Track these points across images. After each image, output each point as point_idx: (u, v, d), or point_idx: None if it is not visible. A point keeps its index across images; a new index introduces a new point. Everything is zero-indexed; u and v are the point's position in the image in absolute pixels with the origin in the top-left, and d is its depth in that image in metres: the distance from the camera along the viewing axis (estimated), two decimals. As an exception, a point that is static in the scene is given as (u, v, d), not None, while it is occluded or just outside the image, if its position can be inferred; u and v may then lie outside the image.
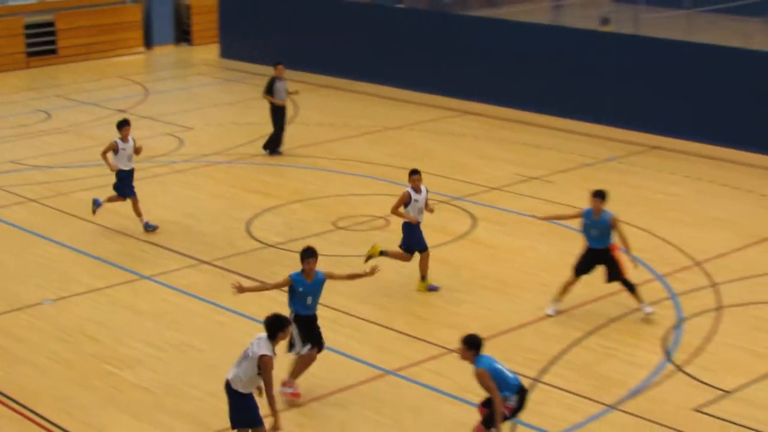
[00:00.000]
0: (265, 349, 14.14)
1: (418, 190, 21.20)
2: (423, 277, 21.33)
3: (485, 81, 35.23)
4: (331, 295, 20.70)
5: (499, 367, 14.78)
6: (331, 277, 17.07)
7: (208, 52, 44.35)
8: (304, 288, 16.78)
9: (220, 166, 29.16)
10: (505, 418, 14.79)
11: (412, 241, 21.21)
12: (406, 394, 17.23)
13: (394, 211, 21.28)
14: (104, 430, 16.21)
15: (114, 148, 23.94)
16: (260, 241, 23.53)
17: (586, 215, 19.57)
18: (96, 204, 24.38)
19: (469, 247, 23.45)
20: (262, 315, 19.56)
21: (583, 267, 19.86)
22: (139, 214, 24.11)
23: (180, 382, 17.67)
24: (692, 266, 21.95)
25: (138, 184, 24.45)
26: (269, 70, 39.72)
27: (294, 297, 16.85)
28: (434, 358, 18.42)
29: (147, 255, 23.13)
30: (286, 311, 19.79)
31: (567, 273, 21.63)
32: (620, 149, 30.19)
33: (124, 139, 23.88)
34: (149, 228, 24.06)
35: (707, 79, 30.99)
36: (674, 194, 26.64)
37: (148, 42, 45.82)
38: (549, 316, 19.82)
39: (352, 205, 25.98)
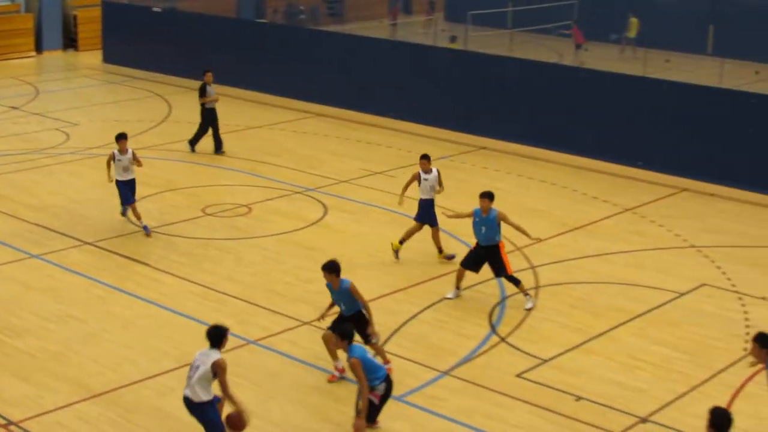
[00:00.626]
0: (215, 355, 13.48)
1: (427, 172, 21.32)
2: (440, 250, 21.54)
3: (335, 87, 35.10)
4: (199, 272, 20.46)
5: (369, 356, 14.50)
6: (356, 293, 16.21)
7: (92, 57, 43.50)
8: (334, 295, 16.33)
9: (103, 157, 28.29)
10: (376, 407, 14.49)
11: (426, 216, 21.49)
12: (266, 362, 16.95)
13: (405, 187, 21.84)
14: (-5, 392, 15.71)
15: (112, 159, 22.82)
16: (138, 225, 22.95)
17: (476, 214, 19.36)
18: (146, 230, 22.63)
19: (321, 232, 23.21)
20: (139, 291, 19.45)
21: (470, 261, 19.49)
22: (138, 217, 22.73)
23: (64, 348, 17.19)
24: (514, 251, 21.96)
25: (29, 173, 23.82)
26: (147, 74, 39.46)
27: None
28: (290, 329, 18.16)
29: (36, 236, 22.45)
30: (156, 290, 19.50)
31: (406, 255, 21.62)
32: (452, 149, 30.20)
33: (122, 151, 22.66)
34: (147, 231, 22.63)
35: (527, 89, 31.16)
36: (498, 188, 26.42)
37: (39, 47, 44.80)
38: (448, 298, 19.61)
39: (218, 194, 25.56)
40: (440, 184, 21.52)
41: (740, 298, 20.00)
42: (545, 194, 26.46)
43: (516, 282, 19.31)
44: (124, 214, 23.42)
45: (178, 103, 35.41)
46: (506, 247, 19.84)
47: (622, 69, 34.68)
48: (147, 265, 20.88)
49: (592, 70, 31.74)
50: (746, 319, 19.05)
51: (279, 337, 17.87)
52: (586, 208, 25.36)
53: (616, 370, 16.98)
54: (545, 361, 17.25)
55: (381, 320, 18.41)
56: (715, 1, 47.49)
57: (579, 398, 16.02)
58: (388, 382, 14.46)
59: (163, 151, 29.34)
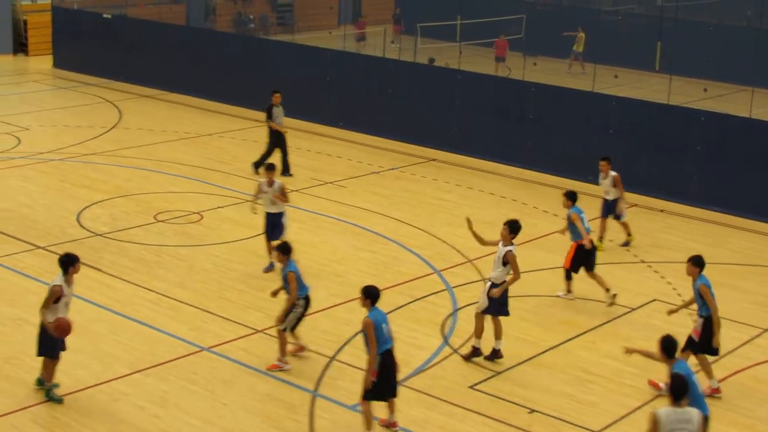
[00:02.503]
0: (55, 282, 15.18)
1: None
2: None
3: (285, 97, 34.91)
4: (151, 279, 20.37)
5: (385, 326, 14.65)
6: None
7: (42, 62, 43.14)
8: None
9: (53, 162, 28.26)
10: (374, 386, 14.62)
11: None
12: (219, 369, 16.89)
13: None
14: (-55, 397, 15.54)
15: (258, 191, 21.54)
16: (89, 230, 22.83)
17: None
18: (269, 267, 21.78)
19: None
20: (91, 296, 19.34)
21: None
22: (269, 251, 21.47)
23: (17, 352, 17.03)
24: (465, 262, 22.08)
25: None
26: (97, 80, 39.19)
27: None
28: (243, 337, 18.11)
29: (-14, 240, 22.30)
30: (108, 295, 19.40)
31: (358, 265, 21.64)
32: (402, 160, 30.27)
33: (269, 183, 21.38)
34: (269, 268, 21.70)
35: (476, 102, 31.29)
36: (448, 200, 26.80)
37: (-12, 51, 44.56)
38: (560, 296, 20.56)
39: (169, 201, 25.43)
40: None
41: (690, 314, 20.16)
42: (494, 207, 26.58)
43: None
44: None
45: (129, 109, 35.23)
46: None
47: (570, 84, 34.94)
48: (99, 270, 20.74)
49: (541, 84, 31.92)
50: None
51: (232, 344, 17.81)
52: (535, 221, 25.49)
53: (569, 383, 17.08)
54: (498, 373, 17.32)
55: (334, 330, 18.52)
56: (663, 18, 47.96)
57: (532, 411, 16.10)
58: (386, 358, 14.76)
59: (114, 157, 29.15)
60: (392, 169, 29.10)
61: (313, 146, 31.59)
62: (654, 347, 15.77)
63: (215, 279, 20.66)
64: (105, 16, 40.89)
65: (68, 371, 16.37)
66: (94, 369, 16.62)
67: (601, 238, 23.41)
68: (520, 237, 23.78)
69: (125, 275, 20.55)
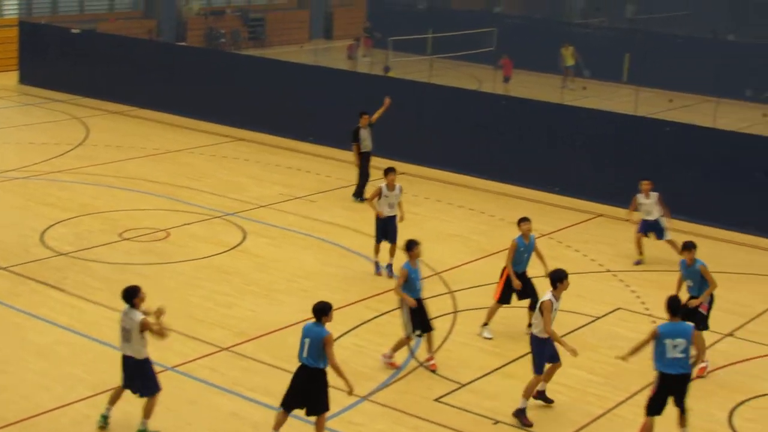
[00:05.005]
0: (138, 315, 14.84)
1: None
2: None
3: (255, 112, 34.98)
4: (116, 298, 19.98)
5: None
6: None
7: (8, 78, 42.76)
8: (415, 275, 17.52)
9: (18, 180, 28.04)
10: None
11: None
12: (185, 388, 16.77)
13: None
14: None
15: (378, 194, 21.98)
16: (53, 250, 22.65)
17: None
18: (387, 270, 22.16)
19: (240, 257, 23.07)
20: (55, 317, 19.14)
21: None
22: (392, 254, 22.18)
23: (-23, 375, 16.88)
24: (433, 276, 22.04)
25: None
26: (65, 96, 38.93)
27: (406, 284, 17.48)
28: (208, 355, 18.00)
29: (-51, 261, 22.06)
30: (72, 315, 19.25)
31: (326, 280, 21.58)
32: (373, 174, 29.75)
33: (390, 186, 21.94)
34: (386, 271, 22.17)
35: (447, 115, 31.28)
36: (417, 213, 26.72)
37: (-46, 67, 44.14)
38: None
39: (136, 219, 25.27)
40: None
41: (654, 322, 20.12)
42: (464, 219, 26.55)
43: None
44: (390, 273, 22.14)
45: (96, 125, 34.98)
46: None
47: (539, 96, 34.94)
48: (63, 290, 20.54)
49: (510, 96, 31.99)
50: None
51: (197, 363, 17.69)
52: (504, 232, 25.44)
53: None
54: (463, 385, 17.28)
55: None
56: (631, 30, 48.16)
57: (497, 422, 16.07)
58: None
59: (81, 174, 28.95)
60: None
61: (283, 161, 31.50)
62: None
63: (181, 297, 20.51)
64: (73, 31, 40.58)
65: (30, 395, 16.22)
66: (57, 392, 16.43)
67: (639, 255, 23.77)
68: (488, 248, 23.88)
69: (89, 295, 20.36)
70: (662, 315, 20.10)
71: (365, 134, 27.53)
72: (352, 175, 29.59)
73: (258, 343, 18.52)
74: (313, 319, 14.86)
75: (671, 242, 23.71)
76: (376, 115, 27.82)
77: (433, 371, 17.65)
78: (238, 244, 23.86)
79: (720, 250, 25.11)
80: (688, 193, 27.04)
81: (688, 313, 17.62)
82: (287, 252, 23.59)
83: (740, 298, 21.88)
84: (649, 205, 23.55)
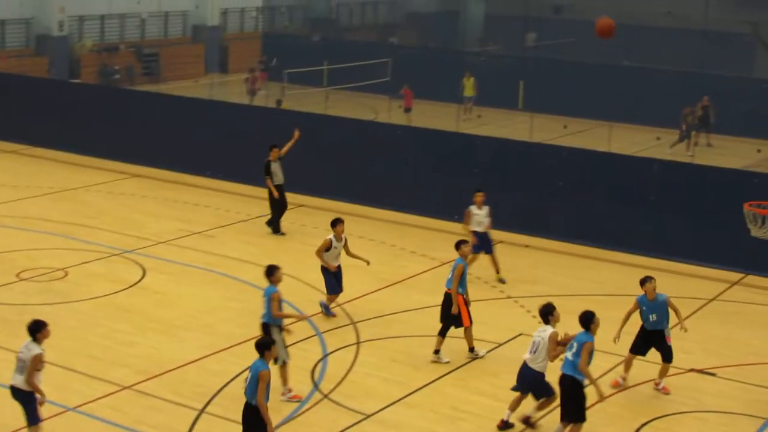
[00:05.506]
0: (36, 349, 15.00)
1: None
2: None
3: (152, 147, 34.78)
4: (14, 339, 19.82)
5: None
6: None
7: None
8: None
9: None
10: None
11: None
12: (86, 429, 16.60)
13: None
14: None
15: (327, 246, 21.61)
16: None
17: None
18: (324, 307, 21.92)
19: (141, 294, 22.90)
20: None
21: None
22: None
23: None
24: (334, 307, 22.07)
25: None
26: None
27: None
28: (110, 394, 17.81)
29: None
30: None
31: (228, 315, 21.52)
32: (270, 207, 30.21)
33: (338, 237, 21.69)
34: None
35: (344, 146, 31.38)
36: (315, 245, 26.35)
37: None
38: None
39: (33, 259, 24.96)
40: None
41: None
42: (364, 250, 26.46)
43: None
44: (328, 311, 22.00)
45: (-10, 166, 34.59)
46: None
47: (437, 125, 35.23)
48: (-41, 333, 20.25)
49: (406, 126, 32.22)
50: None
51: (99, 402, 17.50)
52: (405, 262, 25.66)
53: (439, 422, 17.16)
54: (368, 416, 17.32)
55: (203, 381, 18.31)
56: (525, 58, 48.87)
57: (402, 452, 16.15)
58: None
59: (-25, 215, 28.59)
60: (261, 216, 28.99)
61: (181, 196, 31.36)
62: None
63: (81, 336, 20.30)
64: (-37, 70, 40.11)
65: (-73, 439, 15.97)
66: (-45, 435, 16.22)
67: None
68: (389, 278, 24.08)
69: (-13, 337, 20.09)
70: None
71: (276, 167, 27.65)
72: (251, 208, 29.68)
73: (160, 381, 18.40)
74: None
75: (495, 259, 24.50)
76: (285, 148, 27.95)
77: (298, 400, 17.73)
78: (138, 282, 23.69)
79: (619, 273, 25.50)
80: (585, 217, 27.47)
81: (661, 347, 18.31)
82: (188, 288, 23.48)
83: (639, 320, 22.24)
84: (481, 216, 24.23)
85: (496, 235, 27.74)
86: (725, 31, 50.12)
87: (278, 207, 27.96)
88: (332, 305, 21.91)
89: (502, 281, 24.34)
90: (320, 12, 65.16)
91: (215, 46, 58.70)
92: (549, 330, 16.60)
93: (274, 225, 28.00)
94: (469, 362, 19.58)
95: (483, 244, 24.36)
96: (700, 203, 26.36)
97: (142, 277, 23.97)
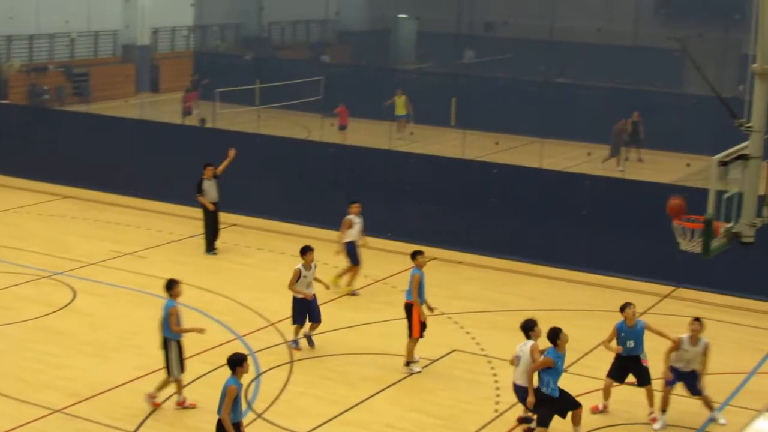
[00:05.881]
0: None
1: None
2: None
3: (81, 168, 34.51)
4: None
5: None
6: None
7: None
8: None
9: None
10: None
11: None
12: (15, 453, 16.46)
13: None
14: None
15: (297, 276, 21.03)
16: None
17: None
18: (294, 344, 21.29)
19: (71, 316, 22.73)
20: None
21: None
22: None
23: None
24: (267, 326, 22.06)
25: None
26: None
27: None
28: (41, 418, 17.65)
29: None
30: None
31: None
32: (201, 227, 30.02)
33: (307, 266, 21.23)
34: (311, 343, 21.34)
35: (276, 164, 31.37)
36: (249, 264, 26.79)
37: None
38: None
39: (-40, 283, 24.72)
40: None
41: (489, 362, 20.61)
42: (287, 267, 26.56)
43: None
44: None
45: None
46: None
47: (370, 143, 35.31)
48: None
49: (338, 144, 32.27)
50: (496, 382, 19.61)
51: (29, 426, 17.32)
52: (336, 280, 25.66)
53: (372, 440, 17.19)
54: (301, 435, 17.33)
55: (135, 403, 18.20)
56: (456, 75, 49.13)
57: (336, 470, 16.15)
58: None
59: None
60: (194, 236, 28.89)
61: (112, 217, 31.15)
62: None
63: (10, 360, 20.10)
64: None
65: None
66: None
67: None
68: (321, 296, 24.02)
69: None
70: (498, 355, 20.66)
71: (209, 186, 27.67)
72: (183, 228, 29.55)
73: (92, 403, 18.25)
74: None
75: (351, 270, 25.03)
76: (221, 167, 27.96)
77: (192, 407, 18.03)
78: (68, 304, 23.50)
79: (549, 287, 25.74)
80: (518, 232, 27.65)
81: (637, 371, 18.18)
82: (119, 309, 23.32)
83: (573, 333, 22.30)
84: (360, 223, 24.99)
85: (429, 251, 27.83)
86: (655, 47, 50.70)
87: (211, 226, 27.88)
88: (299, 336, 21.39)
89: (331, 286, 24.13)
90: (252, 31, 64.99)
91: (146, 66, 58.38)
92: (530, 343, 16.77)
93: (208, 243, 27.94)
94: (402, 379, 19.63)
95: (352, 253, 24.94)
96: (631, 218, 26.63)
97: (73, 300, 23.79)
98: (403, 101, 45.45)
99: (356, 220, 24.96)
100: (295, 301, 21.10)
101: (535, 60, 49.99)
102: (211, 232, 27.94)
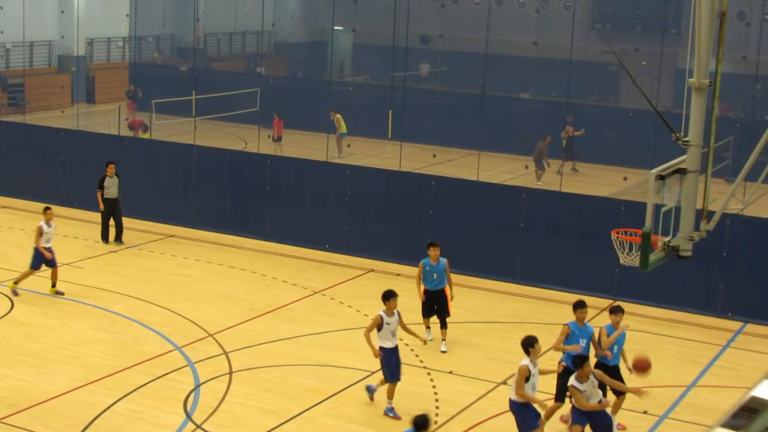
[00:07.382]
0: None
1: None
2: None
3: (17, 178, 34.36)
4: None
5: None
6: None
7: None
8: None
9: None
10: None
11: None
12: (-47, 464, 16.36)
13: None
14: None
15: (378, 324, 18.79)
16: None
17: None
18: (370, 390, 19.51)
19: (8, 326, 22.59)
20: None
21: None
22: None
23: None
24: (206, 337, 22.07)
25: None
26: None
27: None
28: (-21, 430, 17.61)
29: None
30: None
31: (98, 346, 21.33)
32: (141, 238, 30.02)
33: (389, 312, 18.89)
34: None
35: (213, 176, 31.37)
36: (188, 275, 26.76)
37: None
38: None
39: None
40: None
41: (429, 373, 20.77)
42: (236, 280, 26.66)
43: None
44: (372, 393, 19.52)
45: None
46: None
47: (308, 155, 35.38)
48: None
49: (276, 156, 32.31)
50: (435, 394, 19.79)
51: (-33, 438, 17.29)
52: (276, 292, 25.73)
53: (313, 450, 17.29)
54: (242, 445, 17.38)
55: (74, 413, 18.17)
56: (393, 87, 49.33)
57: (277, 480, 16.22)
58: None
59: None
60: (131, 247, 28.83)
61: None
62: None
63: (-54, 370, 20.00)
64: None
65: None
66: None
67: None
68: (261, 307, 24.16)
69: None
70: (436, 367, 20.85)
71: (110, 182, 29.53)
72: (122, 237, 29.52)
73: (30, 413, 18.17)
74: None
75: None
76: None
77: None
78: (6, 314, 23.37)
79: (490, 300, 25.96)
80: (459, 245, 27.82)
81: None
82: (57, 320, 23.22)
83: (510, 346, 22.57)
84: (50, 233, 25.13)
85: (367, 263, 28.09)
86: (590, 60, 51.25)
87: (106, 218, 29.59)
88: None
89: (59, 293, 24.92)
90: (187, 42, 64.78)
91: (82, 76, 58.08)
92: (523, 362, 16.42)
93: (103, 235, 29.69)
94: (342, 390, 19.73)
95: None
96: (568, 231, 26.95)
97: (10, 310, 23.66)
98: (340, 119, 45.32)
99: (46, 229, 24.95)
100: (385, 353, 18.88)
101: (472, 73, 50.34)
102: (107, 224, 29.61)
